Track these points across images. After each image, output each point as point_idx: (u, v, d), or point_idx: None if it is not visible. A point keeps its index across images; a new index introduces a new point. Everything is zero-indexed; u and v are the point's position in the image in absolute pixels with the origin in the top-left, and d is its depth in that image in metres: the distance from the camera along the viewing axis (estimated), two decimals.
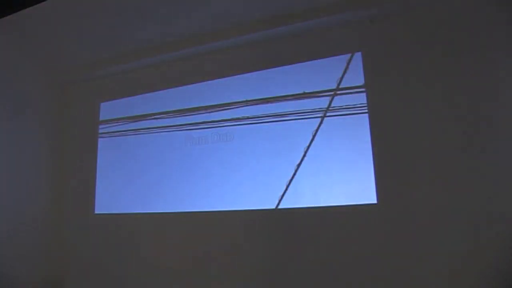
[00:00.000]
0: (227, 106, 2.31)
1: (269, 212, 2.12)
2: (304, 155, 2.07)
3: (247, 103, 2.26)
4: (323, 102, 2.09)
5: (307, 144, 2.08)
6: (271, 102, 2.20)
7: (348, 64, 2.05)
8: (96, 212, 2.61)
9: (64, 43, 2.46)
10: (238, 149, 2.27)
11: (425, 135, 1.84)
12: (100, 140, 2.68)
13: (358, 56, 2.04)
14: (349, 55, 2.06)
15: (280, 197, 2.11)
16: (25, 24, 2.28)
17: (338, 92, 2.06)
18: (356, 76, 2.02)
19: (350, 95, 2.03)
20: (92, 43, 2.43)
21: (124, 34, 2.34)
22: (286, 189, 2.10)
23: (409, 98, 1.89)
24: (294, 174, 2.08)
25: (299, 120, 2.11)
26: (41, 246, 2.58)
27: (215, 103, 2.34)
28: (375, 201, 1.87)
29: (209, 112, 2.35)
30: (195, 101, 2.39)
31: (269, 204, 2.12)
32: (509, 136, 1.66)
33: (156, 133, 2.52)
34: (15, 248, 2.36)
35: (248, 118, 2.25)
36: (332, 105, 2.06)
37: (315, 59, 2.12)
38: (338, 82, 2.06)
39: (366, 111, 1.98)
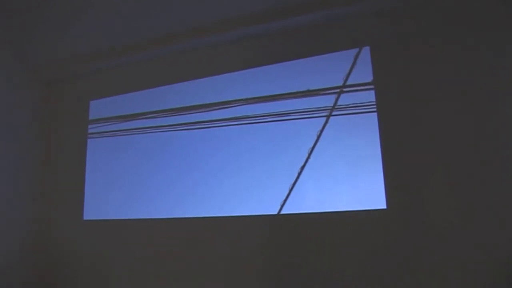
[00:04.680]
0: (225, 105, 2.28)
1: (271, 217, 2.09)
2: (308, 157, 2.05)
3: (247, 101, 2.23)
4: (328, 100, 2.06)
5: (312, 145, 2.05)
6: (272, 100, 2.17)
7: (355, 59, 2.02)
8: (85, 218, 2.57)
9: (50, 37, 2.41)
10: (237, 151, 2.26)
11: (438, 135, 1.80)
12: (89, 141, 2.65)
13: (366, 50, 2.00)
14: (356, 50, 2.02)
15: (282, 202, 2.08)
16: (8, 16, 2.25)
17: (345, 89, 2.03)
18: (364, 72, 1.98)
19: (357, 92, 2.01)
20: (81, 36, 2.38)
21: (115, 27, 2.31)
22: (289, 193, 2.08)
23: (421, 95, 1.85)
24: (298, 177, 2.06)
25: (302, 120, 2.09)
26: (26, 255, 2.52)
27: (213, 101, 2.31)
28: (384, 206, 1.84)
29: (206, 111, 2.32)
30: (191, 99, 2.36)
31: (271, 209, 2.10)
32: None
33: (149, 134, 2.50)
34: None
35: (248, 117, 2.22)
36: (338, 103, 2.04)
37: (320, 54, 2.09)
38: (344, 78, 2.03)
39: (375, 109, 1.94)
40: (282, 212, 2.09)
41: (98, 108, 2.68)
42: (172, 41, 2.31)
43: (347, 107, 2.02)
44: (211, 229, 2.19)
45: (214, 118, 2.30)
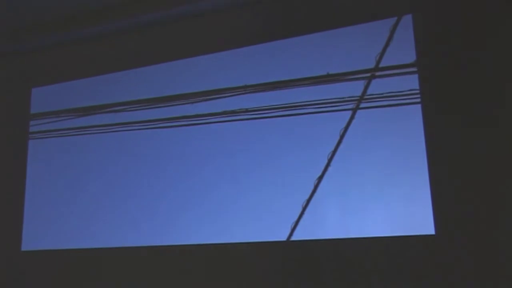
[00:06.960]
0: (217, 94, 2.10)
1: (279, 245, 1.87)
2: (328, 164, 1.87)
3: (245, 89, 2.04)
4: (355, 88, 1.86)
5: (332, 149, 1.87)
6: (280, 88, 1.99)
7: (392, 32, 1.80)
8: (23, 248, 2.26)
9: None
10: (234, 155, 2.07)
11: (504, 134, 1.51)
12: (31, 143, 2.41)
13: (407, 20, 1.77)
14: (394, 20, 1.81)
15: (293, 225, 1.90)
16: None
17: (377, 73, 1.83)
18: (404, 50, 1.77)
19: (394, 77, 1.81)
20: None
21: None
22: (302, 212, 1.89)
23: (482, 82, 1.57)
24: (314, 191, 1.88)
25: (320, 114, 1.91)
26: None
27: (201, 90, 2.12)
28: (432, 232, 1.60)
29: (193, 103, 2.13)
30: (172, 87, 2.17)
31: (278, 234, 1.91)
32: None
33: (115, 132, 2.28)
34: None
35: (247, 111, 2.04)
36: (369, 92, 1.84)
37: (344, 26, 1.87)
38: (377, 59, 1.82)
39: (419, 100, 1.71)
40: (293, 238, 1.92)
41: (43, 98, 2.47)
42: (147, 7, 2.03)
43: (380, 97, 1.80)
44: (199, 261, 1.93)
45: (201, 112, 2.11)
